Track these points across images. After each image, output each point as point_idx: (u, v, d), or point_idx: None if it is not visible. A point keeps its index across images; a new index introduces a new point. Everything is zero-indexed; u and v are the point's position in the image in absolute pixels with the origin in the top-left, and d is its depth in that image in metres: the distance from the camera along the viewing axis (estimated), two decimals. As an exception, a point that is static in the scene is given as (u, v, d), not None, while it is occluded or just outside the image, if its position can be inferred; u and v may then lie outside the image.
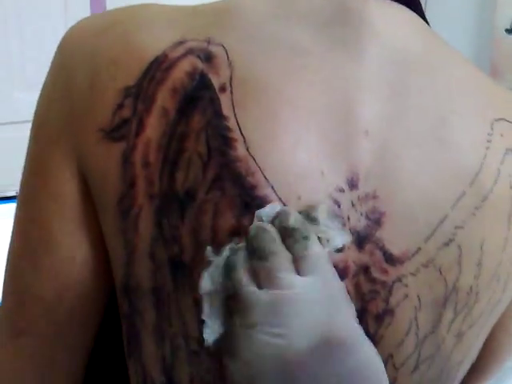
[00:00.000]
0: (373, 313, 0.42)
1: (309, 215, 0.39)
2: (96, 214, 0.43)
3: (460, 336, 0.46)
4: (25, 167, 0.46)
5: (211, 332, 0.38)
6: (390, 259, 0.42)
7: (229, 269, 0.38)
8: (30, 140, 0.45)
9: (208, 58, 0.41)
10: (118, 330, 0.47)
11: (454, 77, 0.44)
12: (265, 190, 0.39)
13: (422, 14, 0.47)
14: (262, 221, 0.38)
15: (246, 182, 0.39)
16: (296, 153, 0.40)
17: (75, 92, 0.42)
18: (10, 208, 1.30)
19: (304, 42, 0.42)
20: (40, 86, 0.46)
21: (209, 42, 0.41)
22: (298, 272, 0.37)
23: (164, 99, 0.40)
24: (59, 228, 0.44)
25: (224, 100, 0.40)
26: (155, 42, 0.41)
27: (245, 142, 0.39)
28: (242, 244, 0.38)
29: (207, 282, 0.38)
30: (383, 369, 0.37)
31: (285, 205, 0.39)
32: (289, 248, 0.38)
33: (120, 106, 0.41)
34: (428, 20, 0.47)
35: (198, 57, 0.41)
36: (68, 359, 0.47)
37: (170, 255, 0.40)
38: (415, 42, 0.44)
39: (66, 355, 0.47)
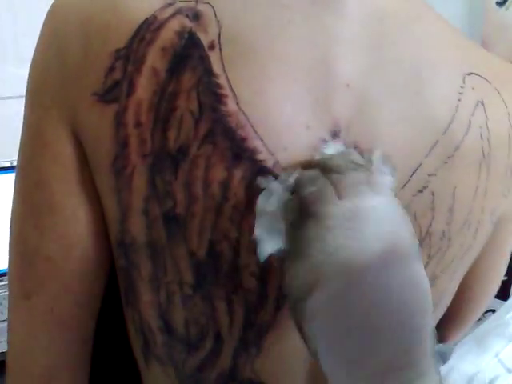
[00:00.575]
0: None
1: (364, 156, 0.41)
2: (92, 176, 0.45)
3: (434, 280, 0.48)
4: (23, 134, 0.47)
5: (267, 247, 0.39)
6: None
7: (298, 187, 0.39)
8: (26, 108, 0.46)
9: (196, 16, 0.41)
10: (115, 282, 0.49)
11: (428, 32, 0.46)
12: (254, 143, 0.41)
13: None
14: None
15: (236, 136, 0.41)
16: (283, 107, 0.41)
17: (69, 59, 0.43)
18: (5, 178, 1.32)
19: None
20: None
21: (197, 2, 0.42)
22: (374, 191, 0.39)
23: (154, 59, 0.41)
24: (61, 189, 0.45)
25: (213, 57, 0.41)
26: (145, 4, 0.42)
27: (235, 97, 0.41)
28: (301, 171, 0.40)
29: (263, 203, 0.40)
30: (431, 297, 0.39)
31: (272, 155, 0.41)
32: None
33: (111, 69, 0.42)
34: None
35: (187, 16, 0.41)
36: (78, 317, 0.48)
37: (163, 210, 0.42)
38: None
39: (77, 313, 0.48)
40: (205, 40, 0.41)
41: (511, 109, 0.48)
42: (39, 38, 0.46)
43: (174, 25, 0.41)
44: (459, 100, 0.45)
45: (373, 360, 0.37)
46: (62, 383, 0.48)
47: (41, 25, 0.46)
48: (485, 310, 1.97)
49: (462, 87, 0.45)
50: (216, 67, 0.41)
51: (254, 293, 0.44)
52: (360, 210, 0.37)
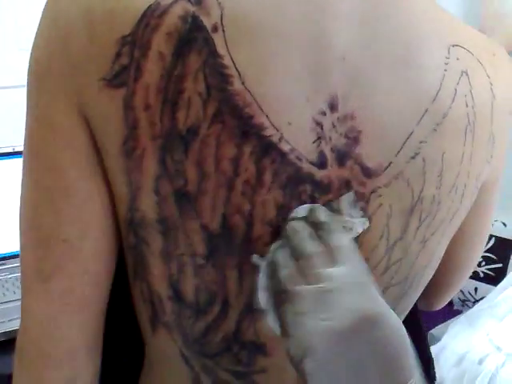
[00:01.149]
0: None
1: (333, 207, 0.45)
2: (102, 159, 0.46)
3: (424, 242, 0.51)
4: (28, 120, 0.47)
5: (274, 319, 0.45)
6: (367, 173, 0.46)
7: (275, 268, 0.44)
8: (30, 93, 0.47)
9: (198, 0, 0.42)
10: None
11: (415, 7, 0.48)
12: (260, 119, 0.43)
13: None
14: (296, 219, 0.45)
15: (243, 114, 0.43)
16: (284, 83, 0.43)
17: (73, 46, 0.44)
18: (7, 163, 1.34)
19: None
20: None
21: None
22: (333, 261, 0.43)
23: (159, 44, 0.42)
24: (75, 173, 0.46)
25: (217, 39, 0.42)
26: None
27: (240, 77, 0.43)
28: (279, 242, 0.45)
29: (262, 281, 0.45)
30: (406, 335, 0.43)
31: (278, 131, 0.44)
32: (321, 239, 0.44)
33: (118, 55, 0.43)
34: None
35: (189, 0, 0.42)
36: (95, 295, 0.49)
37: (174, 188, 0.44)
38: None
39: (94, 292, 0.49)
40: (208, 23, 0.42)
41: (493, 79, 0.50)
42: (40, 23, 0.46)
43: (177, 9, 0.42)
44: (445, 70, 0.47)
45: None
46: (81, 362, 0.50)
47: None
48: (479, 298, 2.00)
49: (447, 58, 0.48)
50: (220, 48, 0.42)
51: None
52: (326, 293, 0.42)
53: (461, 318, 1.70)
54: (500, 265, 1.99)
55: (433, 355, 1.48)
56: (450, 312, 1.84)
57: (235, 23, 0.43)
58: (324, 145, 0.45)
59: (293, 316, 0.42)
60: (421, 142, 0.47)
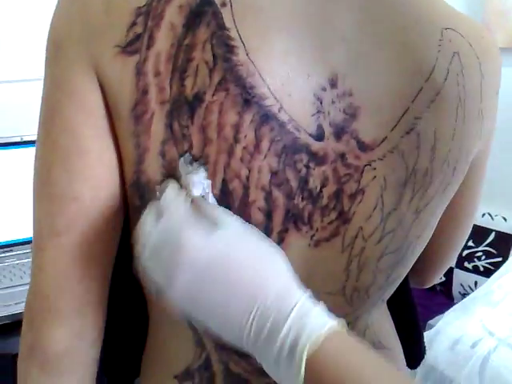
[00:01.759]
0: (347, 192, 0.50)
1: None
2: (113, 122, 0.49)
3: (417, 213, 0.53)
4: (45, 86, 0.50)
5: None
6: (362, 147, 0.49)
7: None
8: (48, 59, 0.50)
9: None
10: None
11: None
12: (262, 89, 0.46)
13: None
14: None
15: (246, 83, 0.46)
16: (286, 58, 0.46)
17: (92, 17, 0.47)
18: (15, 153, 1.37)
19: None
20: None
21: None
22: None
23: (171, 16, 0.45)
24: (89, 134, 0.49)
25: (225, 13, 0.45)
26: None
27: (245, 48, 0.45)
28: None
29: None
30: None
31: (278, 101, 0.46)
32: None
33: (133, 24, 0.46)
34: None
35: None
36: (104, 253, 0.51)
37: (179, 152, 0.47)
38: None
39: (102, 249, 0.51)
40: None
41: (482, 60, 0.53)
42: None
43: None
44: (439, 51, 0.50)
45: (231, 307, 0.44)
46: (88, 319, 0.52)
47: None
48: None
49: (440, 40, 0.51)
50: (227, 22, 0.45)
51: (261, 225, 0.48)
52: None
53: (456, 306, 1.72)
54: (500, 259, 2.01)
55: (428, 339, 1.51)
56: (451, 305, 1.85)
57: (242, 0, 0.46)
58: (322, 119, 0.48)
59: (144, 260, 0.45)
60: (416, 118, 0.49)
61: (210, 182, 0.47)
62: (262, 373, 0.53)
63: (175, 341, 0.57)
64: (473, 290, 2.02)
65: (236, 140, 0.46)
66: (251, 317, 0.43)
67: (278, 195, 0.48)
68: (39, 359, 0.51)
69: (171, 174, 0.48)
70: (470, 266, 2.05)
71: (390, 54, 0.49)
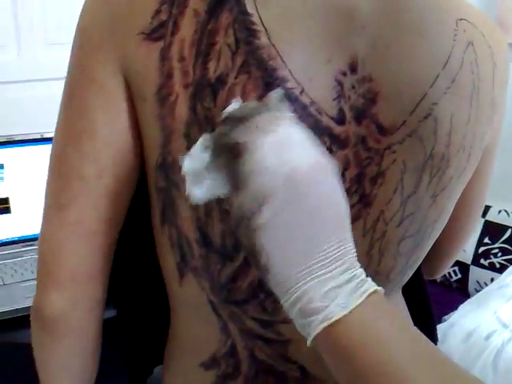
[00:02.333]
0: (368, 176, 0.51)
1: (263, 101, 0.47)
2: (133, 107, 0.51)
3: (434, 197, 0.54)
4: (69, 72, 0.53)
5: (199, 196, 0.45)
6: (382, 131, 0.50)
7: (222, 132, 0.44)
8: (75, 44, 0.53)
9: None
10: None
11: None
12: (283, 72, 0.47)
13: None
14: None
15: (268, 66, 0.47)
16: (307, 42, 0.48)
17: (116, 5, 0.50)
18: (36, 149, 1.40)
19: None
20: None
21: None
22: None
23: (195, 2, 0.47)
24: (102, 118, 0.51)
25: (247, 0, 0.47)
26: None
27: (267, 32, 0.47)
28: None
29: (189, 163, 0.45)
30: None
31: (299, 84, 0.47)
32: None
33: (157, 12, 0.48)
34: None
35: None
36: (103, 231, 0.54)
37: (203, 134, 0.47)
38: None
39: (99, 227, 0.54)
40: None
41: (494, 50, 0.55)
42: None
43: None
44: (454, 40, 0.52)
45: (316, 254, 0.41)
46: (81, 288, 0.55)
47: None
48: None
49: (455, 30, 0.52)
50: (249, 7, 0.47)
51: None
52: (282, 138, 0.43)
53: (472, 299, 1.72)
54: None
55: (441, 332, 1.51)
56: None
57: None
58: (343, 103, 0.49)
59: (250, 166, 0.42)
60: (433, 104, 0.51)
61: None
62: (285, 358, 0.56)
63: (200, 329, 0.58)
64: (489, 287, 2.02)
65: None
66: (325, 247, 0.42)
67: None
68: (40, 321, 0.56)
69: None
70: (486, 262, 2.04)
71: (408, 41, 0.50)
